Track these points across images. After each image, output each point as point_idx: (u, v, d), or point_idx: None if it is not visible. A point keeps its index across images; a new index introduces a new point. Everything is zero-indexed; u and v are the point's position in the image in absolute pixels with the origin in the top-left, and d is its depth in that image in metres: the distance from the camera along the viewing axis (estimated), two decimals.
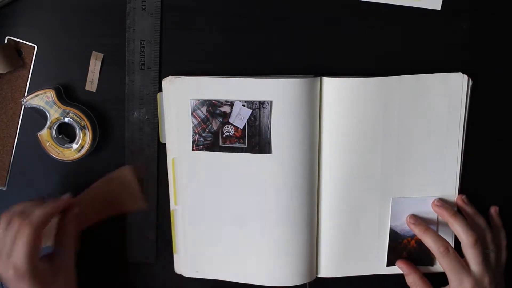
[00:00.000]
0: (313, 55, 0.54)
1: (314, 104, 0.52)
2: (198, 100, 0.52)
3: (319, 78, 0.52)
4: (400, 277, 0.57)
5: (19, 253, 0.46)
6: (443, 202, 0.55)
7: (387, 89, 0.52)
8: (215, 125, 0.53)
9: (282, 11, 0.54)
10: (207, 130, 0.53)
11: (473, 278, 0.51)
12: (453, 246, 0.53)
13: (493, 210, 0.57)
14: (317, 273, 0.57)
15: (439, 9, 0.54)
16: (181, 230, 0.56)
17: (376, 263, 0.57)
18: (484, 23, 0.54)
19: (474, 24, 0.54)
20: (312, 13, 0.54)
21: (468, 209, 0.55)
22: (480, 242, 0.52)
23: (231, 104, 0.52)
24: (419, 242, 0.55)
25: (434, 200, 0.55)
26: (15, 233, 0.46)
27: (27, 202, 0.50)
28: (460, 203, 0.55)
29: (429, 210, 0.55)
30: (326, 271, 0.57)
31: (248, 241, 0.56)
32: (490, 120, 0.56)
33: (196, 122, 0.53)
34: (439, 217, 0.55)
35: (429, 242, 0.53)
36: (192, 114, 0.53)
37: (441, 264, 0.53)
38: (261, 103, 0.52)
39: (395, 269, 0.57)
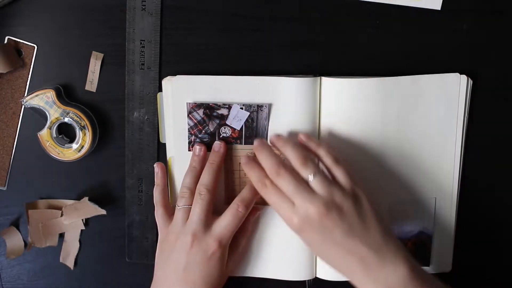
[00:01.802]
0: (313, 55, 0.54)
1: (313, 104, 0.52)
2: (195, 103, 0.52)
3: (318, 78, 0.52)
4: None
5: (228, 226, 0.50)
6: (278, 137, 0.51)
7: (386, 89, 0.52)
8: (211, 126, 0.53)
9: (281, 11, 0.54)
10: (203, 131, 0.53)
11: (296, 209, 0.47)
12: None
13: (300, 136, 0.51)
14: (316, 273, 0.57)
15: (439, 9, 0.54)
16: None
17: None
18: (484, 23, 0.54)
19: (474, 24, 0.54)
20: (312, 13, 0.54)
21: (278, 143, 0.51)
22: (284, 172, 0.47)
23: (228, 107, 0.52)
24: (416, 244, 0.55)
25: (300, 135, 0.51)
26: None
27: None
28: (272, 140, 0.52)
29: (427, 211, 0.55)
30: (324, 273, 0.56)
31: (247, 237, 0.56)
32: (490, 120, 0.56)
33: (192, 124, 0.53)
34: (436, 218, 0.55)
35: (252, 177, 0.50)
36: (188, 116, 0.53)
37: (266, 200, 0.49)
38: (259, 106, 0.52)
39: None
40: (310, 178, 0.47)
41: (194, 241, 0.50)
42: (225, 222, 0.51)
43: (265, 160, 0.49)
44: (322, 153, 0.50)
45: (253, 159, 0.50)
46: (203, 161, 0.53)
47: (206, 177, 0.52)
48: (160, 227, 0.54)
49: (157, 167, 0.55)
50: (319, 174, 0.47)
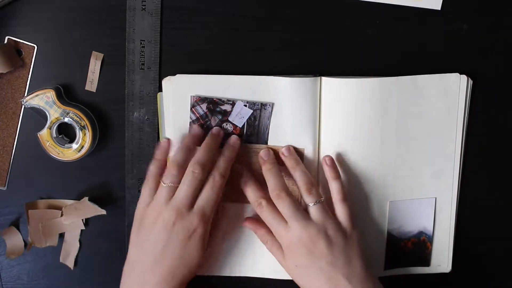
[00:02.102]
0: (313, 55, 0.54)
1: (313, 104, 0.52)
2: (199, 97, 0.52)
3: (318, 78, 0.52)
4: (399, 280, 0.57)
5: (210, 201, 0.50)
6: (291, 151, 0.53)
7: (386, 89, 0.52)
8: (213, 122, 0.53)
9: (282, 11, 0.54)
10: (205, 126, 0.53)
11: (288, 230, 0.50)
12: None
13: (325, 159, 0.53)
14: None
15: (439, 9, 0.54)
16: None
17: (374, 266, 0.57)
18: (484, 23, 0.54)
19: (474, 24, 0.54)
20: (312, 13, 0.54)
21: (289, 162, 0.53)
22: (285, 196, 0.50)
23: (232, 103, 0.52)
24: (415, 244, 0.55)
25: (282, 149, 0.53)
26: (211, 183, 0.50)
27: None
28: (282, 157, 0.53)
29: (427, 212, 0.55)
30: None
31: (246, 236, 0.56)
32: (490, 120, 0.56)
33: (194, 118, 0.53)
34: (436, 218, 0.55)
35: (248, 195, 0.52)
36: (191, 109, 0.53)
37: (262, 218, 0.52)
38: (263, 105, 0.52)
39: (393, 272, 0.57)
40: (311, 204, 0.50)
41: (177, 219, 0.49)
42: (205, 196, 0.49)
43: (271, 178, 0.51)
44: (297, 174, 0.52)
45: (250, 176, 0.53)
46: (198, 142, 0.52)
47: (202, 155, 0.50)
48: (141, 202, 0.51)
49: (164, 143, 0.53)
50: (321, 203, 0.51)
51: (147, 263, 0.49)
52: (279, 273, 0.55)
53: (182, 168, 0.50)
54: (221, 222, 0.55)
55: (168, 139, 0.54)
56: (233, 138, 0.53)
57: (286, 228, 0.50)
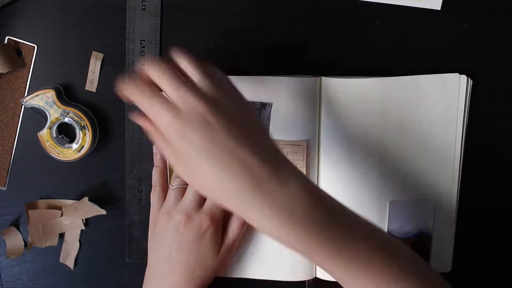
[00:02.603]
0: (313, 55, 0.54)
1: (313, 104, 0.52)
2: None
3: (318, 78, 0.52)
4: None
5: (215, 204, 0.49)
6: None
7: (386, 89, 0.52)
8: None
9: (282, 11, 0.54)
10: None
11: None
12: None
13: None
14: (316, 273, 0.57)
15: (439, 9, 0.54)
16: None
17: None
18: (484, 23, 0.54)
19: (474, 24, 0.54)
20: (312, 13, 0.54)
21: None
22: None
23: None
24: (415, 244, 0.55)
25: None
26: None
27: None
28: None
29: (427, 211, 0.55)
30: (324, 273, 0.56)
31: (245, 236, 0.56)
32: (490, 120, 0.56)
33: None
34: (436, 218, 0.55)
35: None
36: None
37: None
38: (263, 105, 0.52)
39: None
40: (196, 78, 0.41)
41: (187, 220, 0.49)
42: None
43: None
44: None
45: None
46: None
47: None
48: (153, 208, 0.53)
49: (156, 149, 0.54)
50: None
51: (164, 268, 0.50)
52: (285, 275, 0.55)
53: None
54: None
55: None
56: None
57: (176, 109, 0.38)
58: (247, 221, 0.40)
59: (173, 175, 0.52)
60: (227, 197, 0.39)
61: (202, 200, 0.50)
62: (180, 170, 0.40)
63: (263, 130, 0.42)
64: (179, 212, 0.50)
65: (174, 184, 0.52)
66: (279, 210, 0.38)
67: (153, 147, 0.54)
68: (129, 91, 0.41)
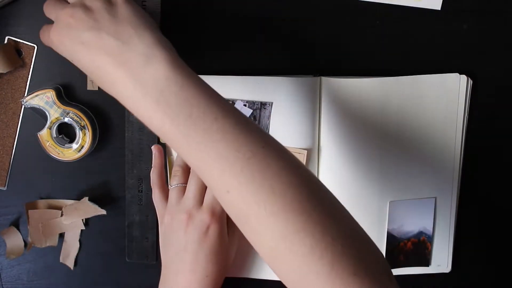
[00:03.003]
0: (313, 55, 0.54)
1: (313, 104, 0.52)
2: None
3: (318, 78, 0.52)
4: (398, 280, 0.57)
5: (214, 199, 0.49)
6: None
7: (386, 89, 0.52)
8: None
9: (282, 11, 0.54)
10: None
11: None
12: None
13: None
14: None
15: (439, 9, 0.54)
16: None
17: None
18: (484, 23, 0.54)
19: (474, 24, 0.54)
20: (312, 13, 0.54)
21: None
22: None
23: (232, 103, 0.52)
24: (415, 244, 0.55)
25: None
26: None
27: None
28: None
29: (427, 211, 0.55)
30: None
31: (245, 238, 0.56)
32: (490, 120, 0.56)
33: None
34: (436, 218, 0.55)
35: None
36: None
37: None
38: (263, 104, 0.52)
39: (393, 272, 0.57)
40: None
41: (189, 219, 0.49)
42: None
43: None
44: None
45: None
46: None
47: None
48: (158, 210, 0.53)
49: (154, 149, 0.54)
50: None
51: (175, 267, 0.50)
52: None
53: (186, 168, 0.51)
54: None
55: (157, 145, 0.54)
56: None
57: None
58: (115, 96, 0.41)
59: (172, 173, 0.53)
60: (101, 78, 0.41)
61: (202, 197, 0.50)
62: (56, 36, 0.43)
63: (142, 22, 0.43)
64: (181, 211, 0.50)
65: (173, 183, 0.52)
66: (141, 84, 0.40)
67: (152, 147, 0.54)
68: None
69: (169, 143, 0.41)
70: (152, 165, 0.54)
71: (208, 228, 0.49)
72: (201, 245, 0.49)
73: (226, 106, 0.40)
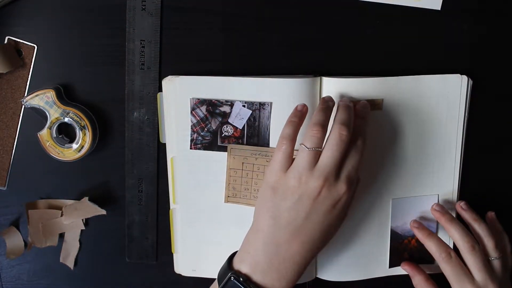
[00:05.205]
0: (313, 55, 0.54)
1: (313, 104, 0.52)
2: (198, 99, 0.52)
3: (318, 78, 0.52)
4: (402, 277, 0.57)
5: (356, 167, 0.46)
6: (441, 207, 0.54)
7: (386, 89, 0.52)
8: (214, 124, 0.53)
9: (281, 11, 0.54)
10: (206, 129, 0.53)
11: (476, 285, 0.50)
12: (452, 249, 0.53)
13: (490, 215, 0.56)
14: (316, 274, 0.57)
15: (439, 9, 0.54)
16: (179, 229, 0.56)
17: (378, 265, 0.57)
18: (484, 23, 0.54)
19: (474, 24, 0.54)
20: (312, 13, 0.54)
21: (467, 215, 0.54)
22: (479, 248, 0.50)
23: (231, 104, 0.52)
24: (419, 241, 0.55)
25: (433, 205, 0.55)
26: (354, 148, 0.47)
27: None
28: (459, 209, 0.54)
29: (428, 210, 0.55)
30: (326, 274, 0.56)
31: None
32: (490, 120, 0.56)
33: (195, 121, 0.53)
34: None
35: (431, 247, 0.52)
36: (191, 112, 0.53)
37: (443, 270, 0.51)
38: (262, 104, 0.52)
39: (398, 270, 0.57)
40: (493, 258, 0.52)
41: (324, 187, 0.44)
42: (353, 161, 0.46)
43: (460, 230, 0.52)
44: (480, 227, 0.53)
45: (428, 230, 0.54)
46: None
47: (345, 115, 0.46)
48: (275, 166, 0.46)
49: (299, 106, 0.49)
50: (501, 259, 0.52)
51: (282, 235, 0.45)
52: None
53: (325, 129, 0.46)
54: None
55: (305, 105, 0.49)
56: (362, 103, 0.50)
57: (473, 281, 0.50)
58: None
59: (309, 133, 0.46)
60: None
61: (340, 166, 0.46)
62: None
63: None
64: (317, 177, 0.44)
65: (308, 145, 0.45)
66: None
67: (301, 104, 0.49)
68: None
69: None
70: (290, 119, 0.48)
71: (339, 199, 0.45)
72: (325, 217, 0.45)
73: None
